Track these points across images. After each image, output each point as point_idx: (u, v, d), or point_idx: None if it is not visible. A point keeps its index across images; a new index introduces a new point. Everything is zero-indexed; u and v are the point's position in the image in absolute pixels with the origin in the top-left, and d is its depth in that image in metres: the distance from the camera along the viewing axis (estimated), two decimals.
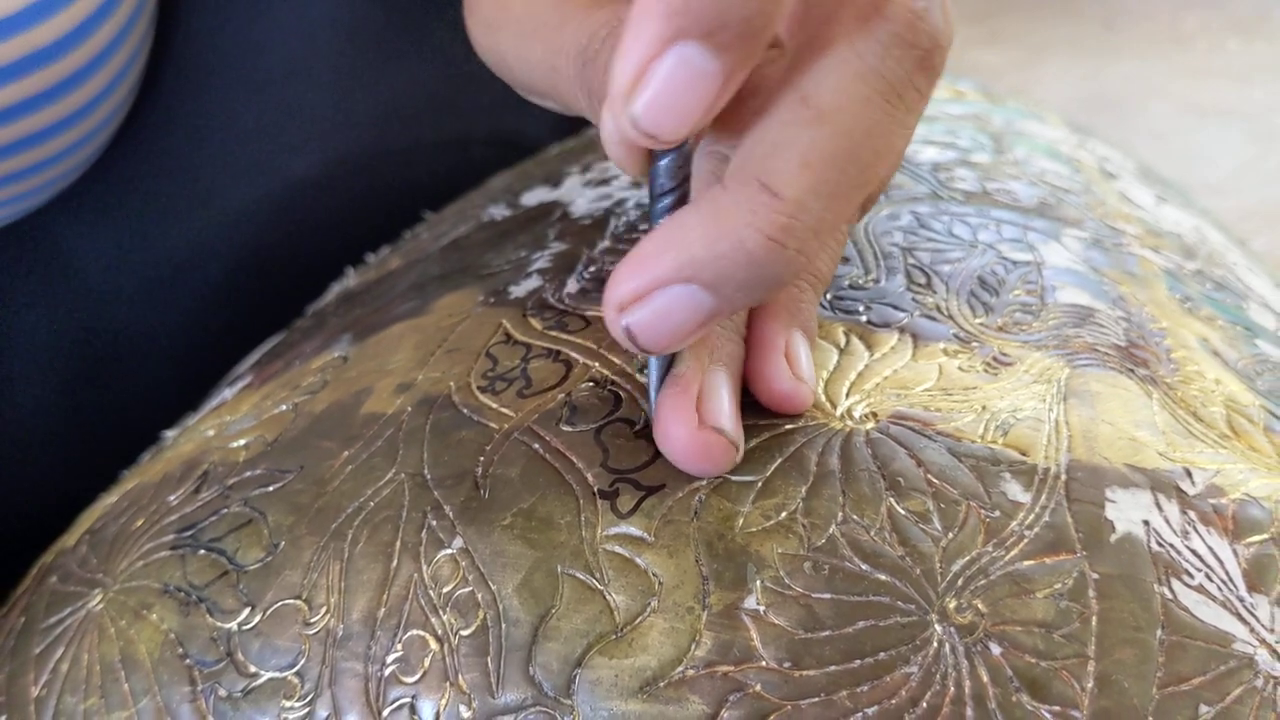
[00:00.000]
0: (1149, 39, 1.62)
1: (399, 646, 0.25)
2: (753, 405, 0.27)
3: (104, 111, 0.41)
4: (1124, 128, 1.39)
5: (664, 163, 0.24)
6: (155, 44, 0.44)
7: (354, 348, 0.33)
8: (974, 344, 0.29)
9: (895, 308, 0.30)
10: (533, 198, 0.40)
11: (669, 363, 0.26)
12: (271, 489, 0.29)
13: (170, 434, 0.38)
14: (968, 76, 0.50)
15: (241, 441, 0.31)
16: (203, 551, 0.28)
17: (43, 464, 0.47)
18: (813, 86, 0.22)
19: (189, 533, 0.29)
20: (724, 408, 0.25)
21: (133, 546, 0.30)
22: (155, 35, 0.44)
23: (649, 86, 0.21)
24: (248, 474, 0.30)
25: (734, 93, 0.22)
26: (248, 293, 0.48)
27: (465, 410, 0.28)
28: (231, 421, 0.33)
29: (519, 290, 0.32)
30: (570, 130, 0.51)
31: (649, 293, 0.23)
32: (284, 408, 0.32)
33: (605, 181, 0.39)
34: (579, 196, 0.38)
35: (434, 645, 0.25)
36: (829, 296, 0.30)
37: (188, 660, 0.27)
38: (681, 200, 0.24)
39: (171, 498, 0.31)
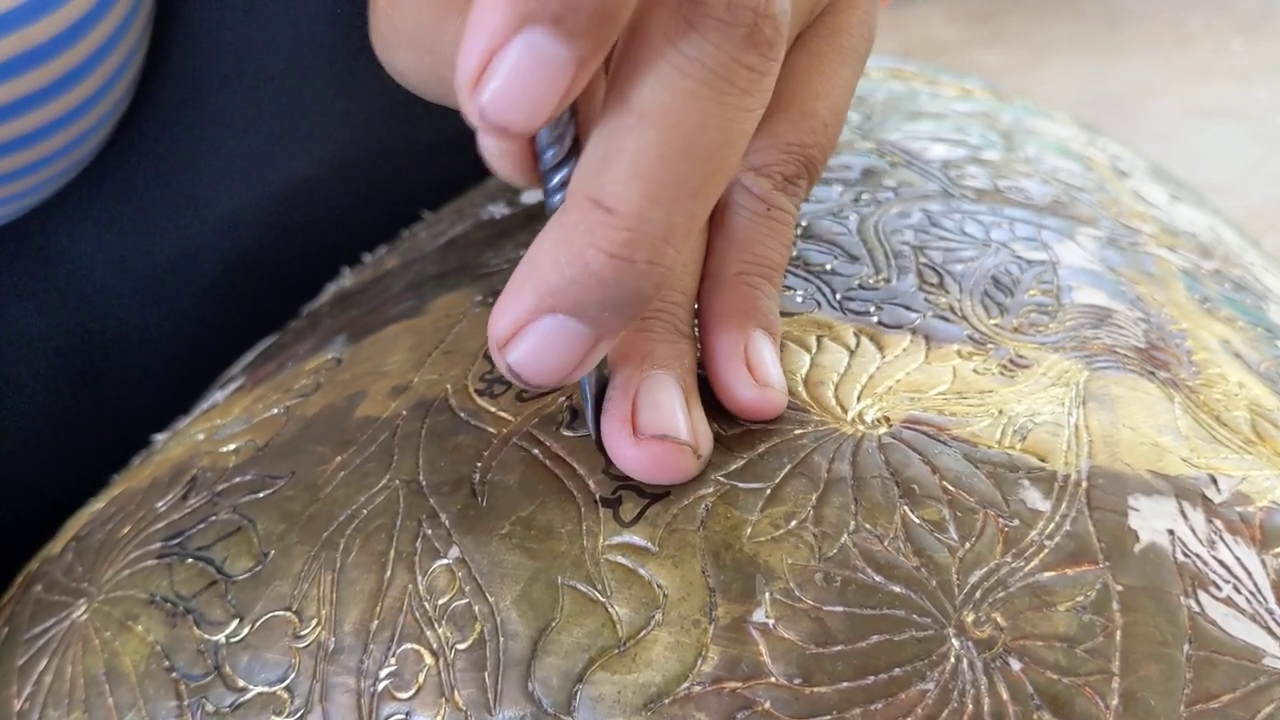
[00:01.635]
0: (1152, 39, 1.61)
1: (392, 660, 0.24)
2: None
3: (100, 111, 0.40)
4: (1127, 128, 1.38)
5: (548, 156, 0.23)
6: (152, 42, 0.44)
7: (348, 349, 0.32)
8: (989, 346, 0.28)
9: (907, 308, 0.29)
10: (533, 196, 0.39)
11: (600, 383, 0.25)
12: (262, 495, 0.28)
13: (160, 437, 0.37)
14: (971, 76, 0.49)
15: (232, 446, 0.30)
16: (190, 560, 0.27)
17: (35, 466, 0.46)
18: (632, 88, 0.21)
19: (176, 541, 0.28)
20: (664, 414, 0.24)
21: (119, 555, 0.29)
22: (152, 34, 0.43)
23: (495, 76, 0.20)
24: (237, 480, 0.29)
25: (588, 80, 0.20)
26: (243, 293, 0.47)
27: (462, 414, 0.27)
28: (222, 425, 0.32)
29: None
30: None
31: (521, 329, 0.22)
32: (276, 411, 0.31)
33: None
34: None
35: (429, 659, 0.24)
36: (838, 296, 0.29)
37: (174, 674, 0.26)
38: None
39: (159, 504, 0.30)
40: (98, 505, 0.33)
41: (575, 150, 0.23)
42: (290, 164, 0.47)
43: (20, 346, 0.45)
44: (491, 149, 0.22)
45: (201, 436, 0.32)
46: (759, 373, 0.25)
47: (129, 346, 0.47)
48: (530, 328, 0.22)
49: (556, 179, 0.23)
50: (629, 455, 0.24)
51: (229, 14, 0.45)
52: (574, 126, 0.23)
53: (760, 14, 0.21)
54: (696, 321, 0.27)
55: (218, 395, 0.36)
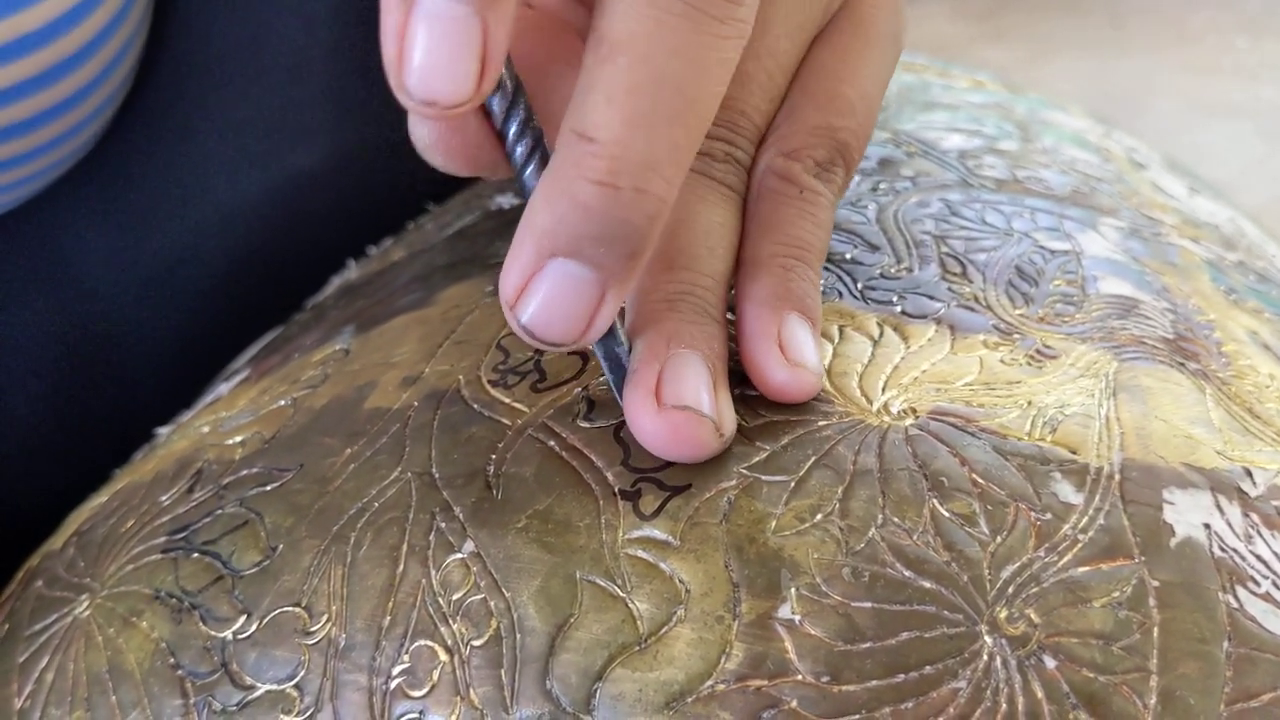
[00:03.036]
0: (1156, 36, 1.61)
1: (405, 658, 0.23)
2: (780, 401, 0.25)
3: (97, 99, 0.40)
4: (1131, 126, 1.37)
5: (511, 134, 0.23)
6: (151, 32, 0.43)
7: (356, 340, 0.31)
8: (1015, 336, 0.27)
9: (930, 298, 0.28)
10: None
11: (624, 360, 0.24)
12: (269, 488, 0.27)
13: (164, 431, 0.36)
14: (982, 70, 0.49)
15: (238, 438, 0.30)
16: (196, 555, 0.27)
17: (36, 462, 0.46)
18: (602, 21, 0.21)
19: (181, 535, 0.27)
20: (688, 387, 0.24)
21: (122, 549, 0.29)
22: (151, 23, 0.43)
23: (409, 50, 0.20)
24: (244, 472, 0.28)
25: (507, 34, 0.21)
26: (246, 288, 0.47)
27: (476, 405, 0.26)
28: (227, 417, 0.31)
29: None
30: None
31: (527, 283, 0.22)
32: (283, 403, 0.30)
33: None
34: None
35: (443, 656, 0.23)
36: (859, 286, 0.29)
37: (180, 671, 0.25)
38: (543, 167, 0.23)
39: (163, 497, 0.29)
40: (100, 499, 0.32)
41: (530, 120, 0.23)
42: (293, 156, 0.46)
43: (20, 341, 0.44)
44: (437, 141, 0.23)
45: (206, 429, 0.32)
46: (792, 353, 0.25)
47: (130, 341, 0.47)
48: (536, 280, 0.22)
49: (519, 152, 0.23)
50: (649, 426, 0.23)
51: (228, 7, 0.45)
52: (523, 98, 0.23)
53: None
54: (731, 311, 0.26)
55: (222, 388, 0.35)
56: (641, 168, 0.21)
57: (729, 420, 0.24)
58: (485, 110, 0.23)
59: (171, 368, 0.47)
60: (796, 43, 0.29)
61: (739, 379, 0.25)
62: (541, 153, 0.23)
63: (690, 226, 0.26)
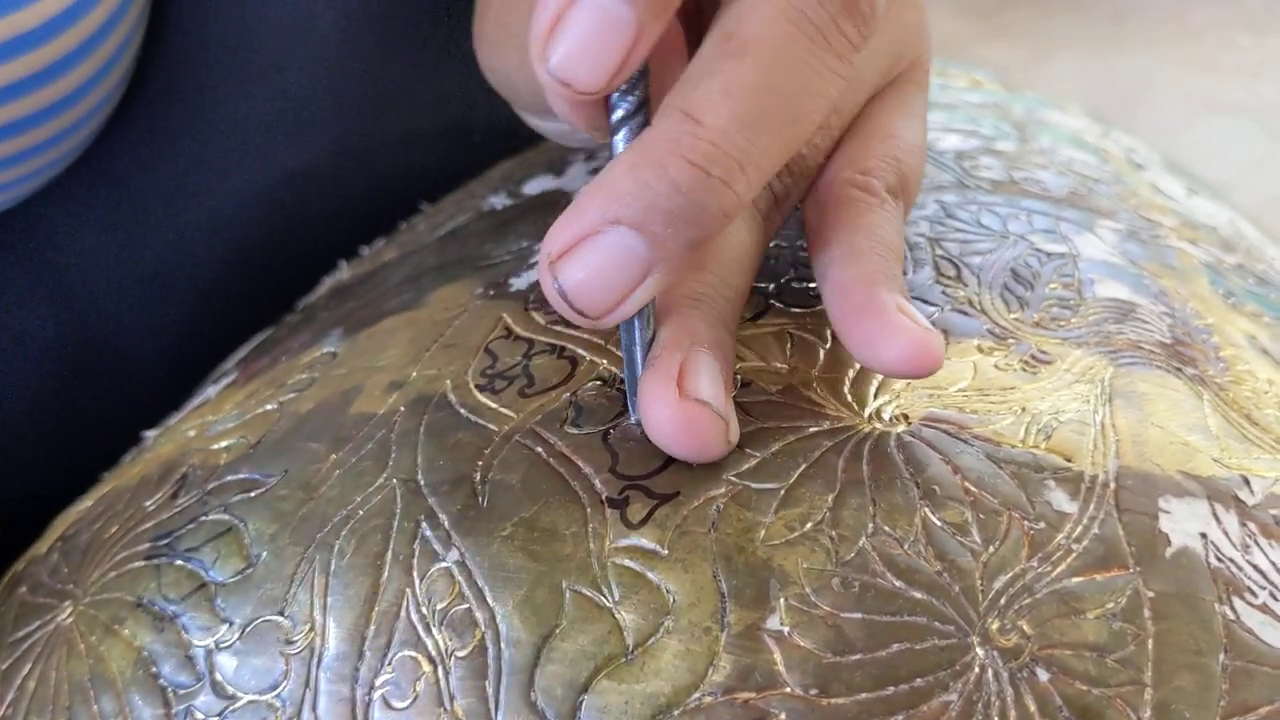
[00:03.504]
0: (1158, 34, 1.60)
1: (389, 668, 0.23)
2: (770, 407, 0.25)
3: (95, 98, 0.40)
4: (1132, 123, 1.37)
5: (616, 117, 0.24)
6: (147, 30, 0.43)
7: (344, 343, 0.31)
8: (1010, 340, 0.27)
9: (924, 301, 0.28)
10: (535, 186, 0.38)
11: (644, 350, 0.24)
12: (253, 494, 0.27)
13: (151, 434, 0.36)
14: (980, 68, 0.48)
15: (223, 443, 0.29)
16: (179, 562, 0.26)
17: (28, 464, 0.45)
18: (735, 21, 0.22)
19: (165, 541, 0.27)
20: (708, 383, 0.24)
21: (106, 555, 0.28)
22: (148, 21, 0.43)
23: (565, 34, 0.21)
24: (229, 478, 0.28)
25: (653, 41, 0.22)
26: (240, 287, 0.47)
27: (462, 410, 0.26)
28: (214, 421, 0.31)
29: (520, 282, 0.30)
30: None
31: (580, 241, 0.22)
32: (269, 407, 0.30)
33: None
34: (584, 185, 0.36)
35: (426, 667, 0.22)
36: None
37: (161, 680, 0.25)
38: (642, 128, 0.24)
39: (148, 503, 0.29)
40: (85, 504, 0.32)
41: (644, 108, 0.24)
42: (287, 156, 0.46)
43: (13, 342, 0.44)
44: (563, 99, 0.23)
45: (192, 433, 0.31)
46: (916, 323, 0.24)
47: (123, 341, 0.46)
48: (588, 242, 0.22)
49: (622, 129, 0.24)
50: (665, 415, 0.23)
51: (222, 6, 0.45)
52: (645, 84, 0.24)
53: None
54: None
55: (210, 390, 0.35)
56: (735, 163, 0.22)
57: (736, 427, 0.24)
58: None
59: (165, 367, 0.46)
60: (860, 97, 0.29)
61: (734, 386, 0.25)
62: (645, 119, 0.24)
63: (726, 235, 0.26)
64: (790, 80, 0.22)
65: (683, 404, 0.23)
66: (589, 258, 0.22)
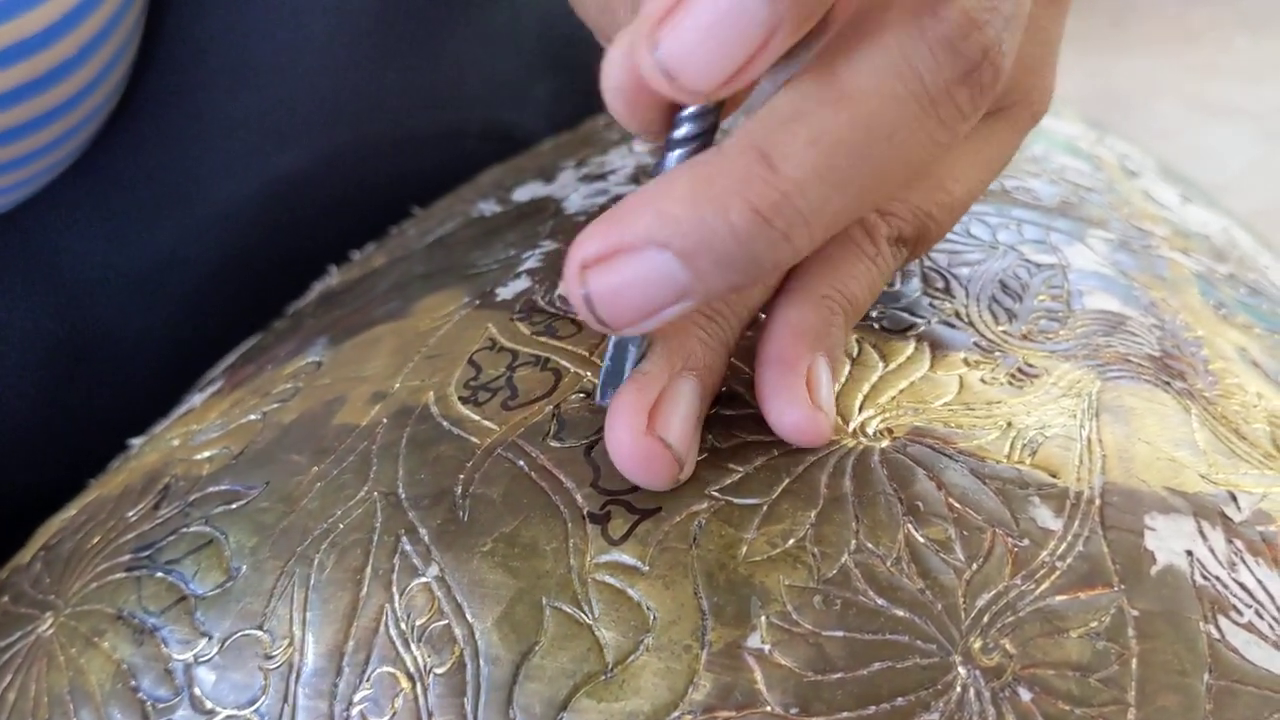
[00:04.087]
0: (1157, 36, 1.60)
1: (367, 684, 0.23)
2: (754, 421, 0.24)
3: (93, 103, 0.40)
4: (1131, 126, 1.36)
5: (678, 134, 0.22)
6: (143, 36, 0.43)
7: (329, 352, 0.31)
8: (997, 354, 0.27)
9: (911, 313, 0.28)
10: (525, 193, 0.38)
11: (635, 359, 0.24)
12: (235, 506, 0.27)
13: (137, 442, 0.35)
14: None
15: (206, 453, 0.29)
16: (159, 574, 0.26)
17: (19, 467, 0.45)
18: (844, 66, 0.20)
19: (146, 553, 0.27)
20: (678, 420, 0.23)
21: (87, 566, 0.28)
22: (144, 27, 0.42)
23: (684, 20, 0.19)
24: (210, 489, 0.27)
25: (779, 53, 0.19)
26: (233, 291, 0.46)
27: (445, 423, 0.26)
28: (198, 430, 0.31)
29: (507, 292, 0.30)
30: (567, 124, 0.49)
31: (618, 254, 0.20)
32: (252, 417, 0.29)
33: (602, 177, 0.36)
34: (573, 192, 0.36)
35: (405, 684, 0.22)
36: None
37: (140, 694, 0.25)
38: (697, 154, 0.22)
39: (130, 513, 0.29)
40: (69, 513, 0.32)
41: (713, 128, 0.22)
42: (280, 160, 0.46)
43: (10, 341, 0.44)
44: (619, 76, 0.21)
45: (176, 442, 0.31)
46: (815, 394, 0.24)
47: (117, 345, 0.46)
48: (630, 256, 0.20)
49: (679, 149, 0.22)
50: (627, 442, 0.23)
51: (220, 9, 0.45)
52: (718, 111, 0.22)
53: (989, 56, 0.20)
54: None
55: (195, 399, 0.35)
56: (801, 217, 0.20)
57: (690, 464, 0.23)
58: None
59: (158, 370, 0.46)
60: None
61: (718, 399, 0.25)
62: (705, 144, 0.22)
63: None
64: (886, 144, 0.20)
65: (646, 439, 0.23)
66: (625, 272, 0.20)
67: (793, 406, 0.23)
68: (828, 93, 0.20)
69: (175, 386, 0.43)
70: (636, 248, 0.20)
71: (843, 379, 0.26)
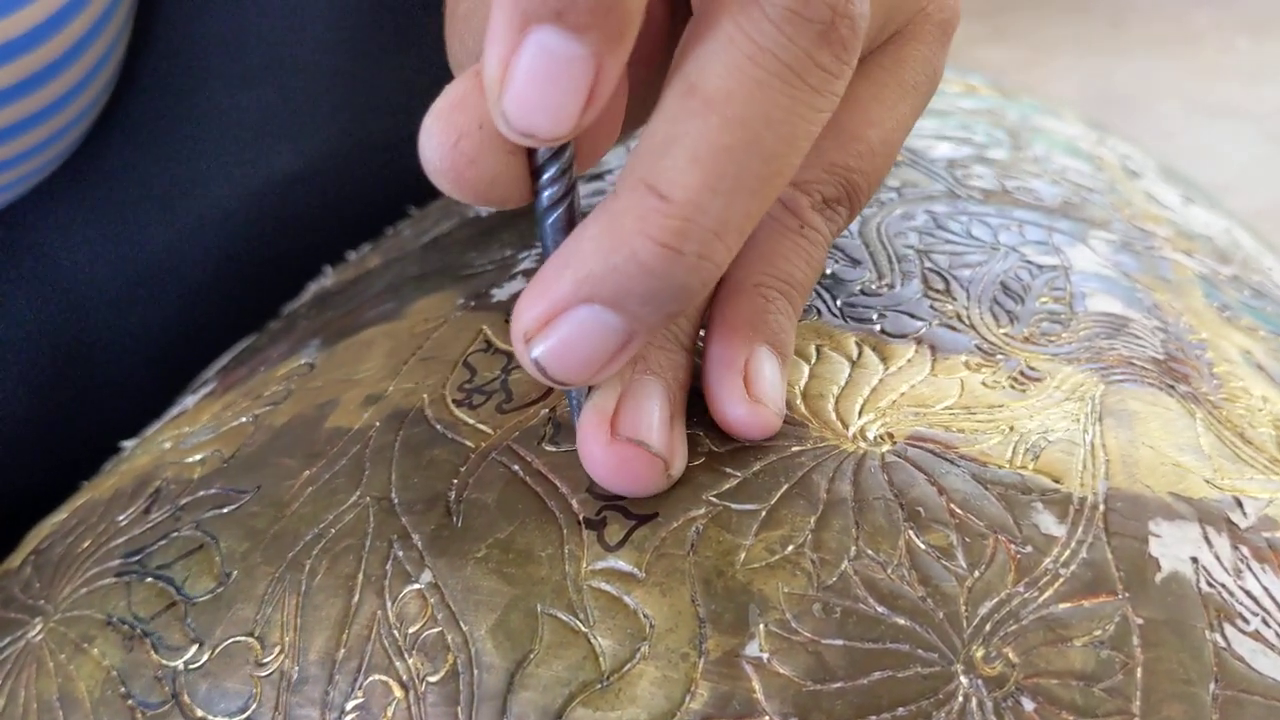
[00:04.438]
0: (1158, 37, 1.60)
1: (359, 693, 0.22)
2: None
3: (81, 104, 0.39)
4: (1132, 127, 1.36)
5: (546, 176, 0.22)
6: (134, 34, 0.42)
7: (322, 354, 0.31)
8: (999, 357, 0.26)
9: (912, 316, 0.27)
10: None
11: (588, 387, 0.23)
12: (226, 511, 0.26)
13: (129, 444, 0.35)
14: (975, 72, 0.48)
15: (197, 456, 0.29)
16: (150, 579, 0.26)
17: (12, 469, 0.45)
18: (698, 72, 0.20)
19: (136, 558, 0.27)
20: (645, 418, 0.23)
21: (77, 571, 0.28)
22: (135, 25, 0.42)
23: (514, 81, 0.19)
24: (201, 493, 0.27)
25: (617, 74, 0.20)
26: (228, 292, 0.46)
27: (439, 426, 0.26)
28: (189, 433, 0.31)
29: (502, 293, 0.30)
30: None
31: (552, 319, 0.21)
32: (244, 420, 0.29)
33: (599, 176, 0.36)
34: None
35: (398, 692, 0.22)
36: (838, 303, 0.28)
37: (130, 701, 0.24)
38: (570, 211, 0.22)
39: (121, 517, 0.28)
40: (60, 516, 0.32)
41: (571, 167, 0.22)
42: (276, 160, 0.46)
43: (3, 341, 0.44)
44: (449, 169, 0.21)
45: (168, 445, 0.31)
46: (754, 388, 0.24)
47: (111, 345, 0.46)
48: (563, 318, 0.20)
49: (548, 194, 0.22)
50: (597, 454, 0.22)
51: (213, 7, 0.44)
52: (571, 171, 0.22)
53: (838, 12, 0.20)
54: (701, 335, 0.25)
55: (188, 400, 0.35)
56: (711, 234, 0.20)
57: (679, 459, 0.23)
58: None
59: (154, 370, 0.46)
60: None
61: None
62: (571, 203, 0.22)
63: None
64: (766, 135, 0.20)
65: (614, 445, 0.22)
66: (563, 333, 0.21)
67: (731, 404, 0.23)
68: (691, 104, 0.20)
69: (171, 387, 0.43)
70: (566, 308, 0.20)
71: (806, 373, 0.25)
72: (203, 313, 0.46)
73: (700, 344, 0.25)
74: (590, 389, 0.23)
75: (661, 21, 0.24)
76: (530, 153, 0.22)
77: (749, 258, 0.25)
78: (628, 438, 0.22)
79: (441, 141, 0.21)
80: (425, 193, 0.45)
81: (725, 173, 0.20)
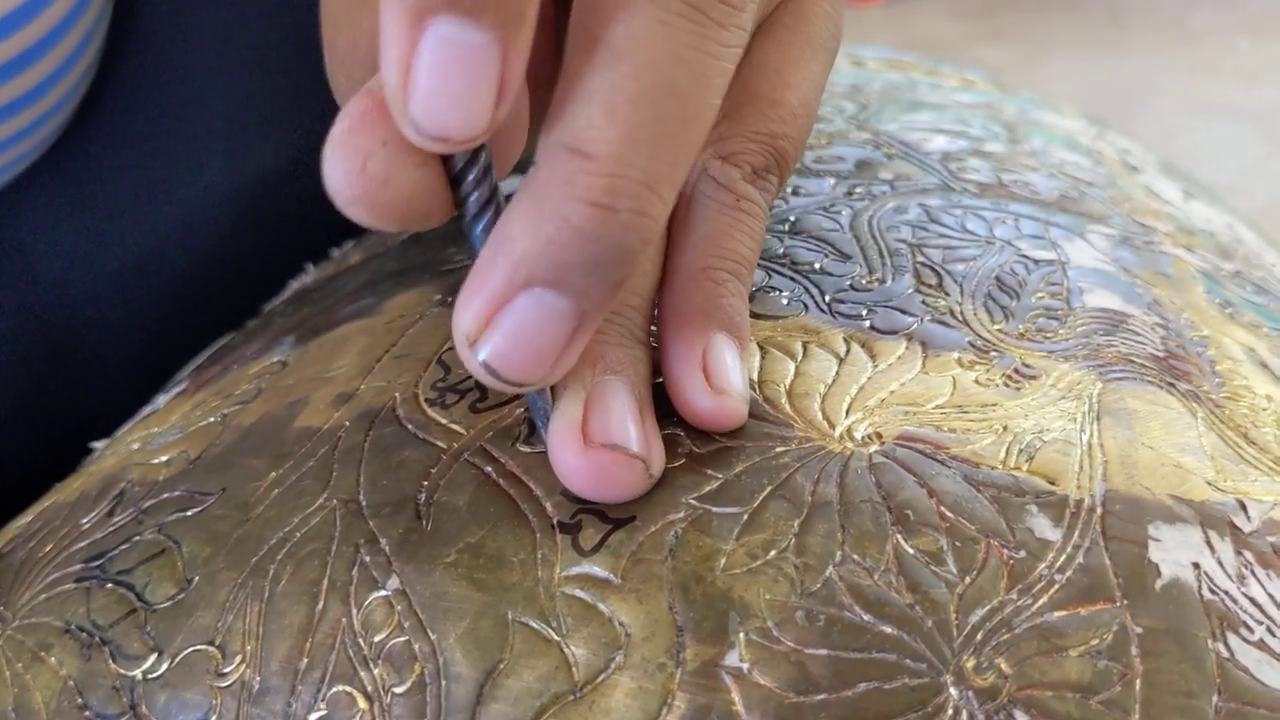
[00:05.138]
0: (1156, 36, 1.59)
1: (322, 705, 0.21)
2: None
3: (58, 93, 0.39)
4: (1130, 126, 1.35)
5: (468, 180, 0.21)
6: (116, 26, 0.42)
7: (295, 351, 0.30)
8: (992, 354, 0.25)
9: (903, 312, 0.26)
10: (504, 186, 0.36)
11: (550, 394, 0.22)
12: (189, 514, 0.25)
13: (100, 445, 0.34)
14: (973, 68, 0.47)
15: (164, 457, 0.28)
16: (110, 585, 0.25)
17: None
18: (600, 24, 0.19)
19: (97, 563, 0.26)
20: (616, 421, 0.22)
21: (38, 576, 0.27)
22: (115, 15, 0.41)
23: (418, 82, 0.18)
24: (165, 495, 0.26)
25: (522, 67, 0.19)
26: (211, 289, 0.46)
27: (410, 426, 0.25)
28: (158, 433, 0.30)
29: None
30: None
31: (494, 314, 0.20)
32: (212, 419, 0.28)
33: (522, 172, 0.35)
34: None
35: (362, 704, 0.21)
36: (827, 298, 0.27)
37: (87, 712, 0.23)
38: (498, 214, 0.21)
39: (84, 520, 0.27)
40: (24, 520, 0.31)
41: (490, 168, 0.21)
42: (260, 153, 0.45)
43: None
44: (361, 195, 0.20)
45: (136, 446, 0.30)
46: (716, 379, 0.23)
47: (95, 339, 0.45)
48: (504, 312, 0.19)
49: (473, 199, 0.21)
50: (574, 465, 0.21)
51: (196, 0, 0.44)
52: (491, 175, 0.21)
53: None
54: (655, 328, 0.24)
55: (160, 400, 0.34)
56: (641, 187, 0.19)
57: (658, 457, 0.22)
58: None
59: (135, 367, 0.45)
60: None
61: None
62: (497, 205, 0.21)
63: None
64: (679, 76, 0.19)
65: (589, 452, 0.21)
66: (509, 327, 0.20)
67: (695, 397, 0.23)
68: (601, 58, 0.19)
69: (152, 386, 0.42)
70: (507, 299, 0.19)
71: (793, 370, 0.24)
72: (185, 310, 0.45)
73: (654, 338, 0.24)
74: (554, 397, 0.22)
75: (553, 23, 0.23)
76: (445, 161, 0.20)
77: (690, 242, 0.25)
78: (602, 443, 0.21)
79: (348, 168, 0.20)
80: None
81: (644, 120, 0.19)
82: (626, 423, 0.22)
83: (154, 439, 0.29)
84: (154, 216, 0.44)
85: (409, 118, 0.18)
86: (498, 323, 0.20)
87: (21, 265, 0.43)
